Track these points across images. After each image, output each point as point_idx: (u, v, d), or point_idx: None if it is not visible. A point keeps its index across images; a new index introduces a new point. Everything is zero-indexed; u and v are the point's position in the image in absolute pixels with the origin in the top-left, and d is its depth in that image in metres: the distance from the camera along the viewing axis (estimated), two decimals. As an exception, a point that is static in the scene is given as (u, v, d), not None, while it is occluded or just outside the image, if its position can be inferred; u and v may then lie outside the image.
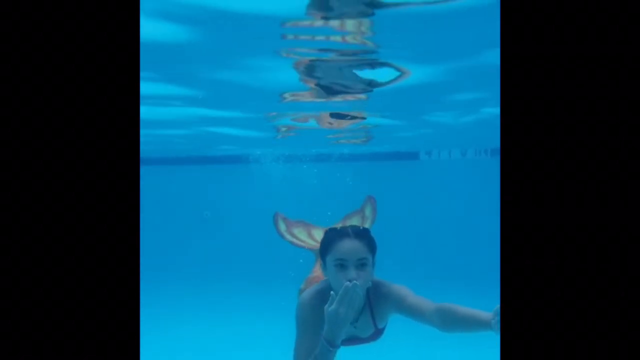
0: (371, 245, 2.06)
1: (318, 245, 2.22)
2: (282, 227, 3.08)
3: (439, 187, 12.06)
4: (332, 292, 1.77)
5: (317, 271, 2.67)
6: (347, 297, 1.73)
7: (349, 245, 2.00)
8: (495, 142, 9.52)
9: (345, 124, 6.01)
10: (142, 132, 6.56)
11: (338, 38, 2.81)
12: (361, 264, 1.98)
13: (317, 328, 1.90)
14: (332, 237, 2.08)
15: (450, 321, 1.89)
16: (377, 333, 2.27)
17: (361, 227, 2.11)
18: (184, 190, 12.15)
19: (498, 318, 1.60)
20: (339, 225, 2.16)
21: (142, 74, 3.35)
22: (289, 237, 3.07)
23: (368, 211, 3.55)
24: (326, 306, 1.76)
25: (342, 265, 1.97)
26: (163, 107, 5.10)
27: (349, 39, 2.82)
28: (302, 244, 3.31)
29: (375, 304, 2.20)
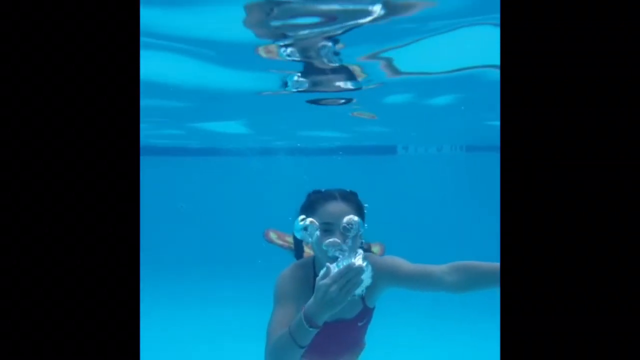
0: (360, 210, 1.86)
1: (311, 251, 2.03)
2: (274, 236, 2.84)
3: (417, 181, 12.24)
4: (327, 264, 1.50)
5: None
6: (345, 278, 1.43)
7: (335, 209, 1.80)
8: (470, 139, 9.72)
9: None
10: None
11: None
12: (348, 229, 1.76)
13: (296, 302, 1.73)
14: (316, 200, 1.86)
15: (472, 279, 1.72)
16: (365, 314, 1.98)
17: (349, 190, 1.90)
18: (159, 182, 12.00)
19: None
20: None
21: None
22: (280, 242, 2.85)
23: None
24: (319, 277, 1.48)
25: (327, 230, 1.77)
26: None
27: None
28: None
29: None
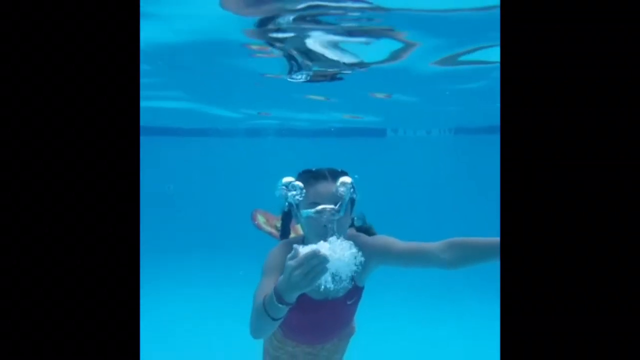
0: (350, 190, 1.82)
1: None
2: (262, 219, 2.76)
3: (406, 163, 12.30)
4: (294, 245, 1.45)
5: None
6: (309, 265, 1.38)
7: (325, 188, 1.79)
8: (458, 121, 9.76)
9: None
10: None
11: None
12: (338, 209, 1.76)
13: (280, 275, 1.69)
14: (306, 179, 1.84)
15: (467, 256, 1.73)
16: (355, 293, 1.98)
17: (339, 170, 1.88)
18: (146, 163, 11.89)
19: None
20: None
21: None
22: (268, 228, 2.77)
23: None
24: (288, 256, 1.44)
25: (316, 209, 1.76)
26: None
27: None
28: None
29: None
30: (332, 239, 1.59)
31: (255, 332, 1.62)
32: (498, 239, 1.61)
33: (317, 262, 1.38)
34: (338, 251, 1.53)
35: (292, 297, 1.46)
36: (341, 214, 1.77)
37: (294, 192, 1.82)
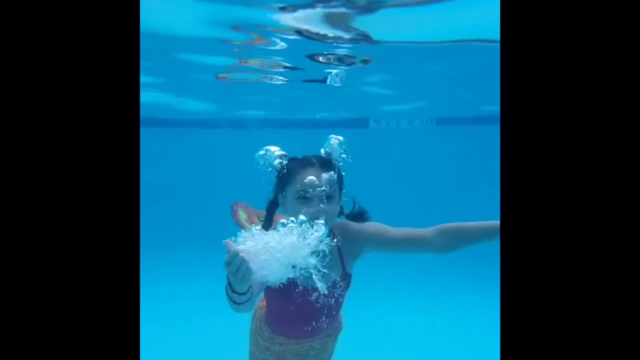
0: (338, 178, 1.82)
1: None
2: (243, 216, 2.67)
3: (389, 154, 12.35)
4: (224, 241, 1.44)
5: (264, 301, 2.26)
6: (233, 264, 1.39)
7: (313, 175, 1.75)
8: (441, 112, 9.85)
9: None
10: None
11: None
12: (327, 196, 1.75)
13: None
14: (293, 167, 1.80)
15: (459, 240, 1.80)
16: (344, 278, 1.97)
17: (327, 157, 1.85)
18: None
19: None
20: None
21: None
22: (249, 226, 2.58)
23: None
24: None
25: (304, 197, 1.73)
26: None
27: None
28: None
29: (345, 242, 1.94)
30: (282, 228, 1.53)
31: (233, 310, 1.65)
32: (486, 222, 1.75)
33: (239, 263, 1.38)
34: (286, 241, 1.47)
35: (239, 289, 1.46)
36: (328, 201, 1.75)
37: (279, 159, 1.81)
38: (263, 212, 2.03)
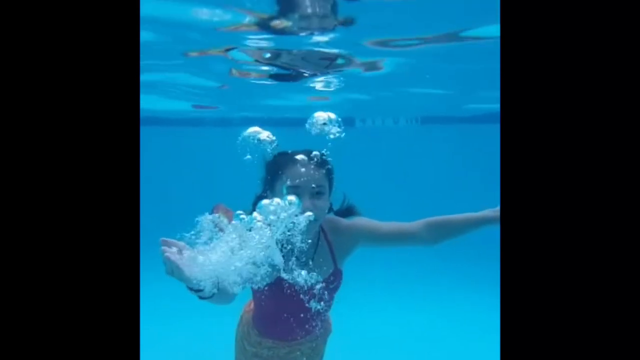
0: (329, 173, 1.78)
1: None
2: (225, 221, 2.69)
3: (375, 152, 12.39)
4: (161, 239, 1.44)
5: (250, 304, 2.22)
6: (168, 266, 1.39)
7: (303, 171, 1.71)
8: (425, 111, 9.92)
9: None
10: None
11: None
12: (317, 192, 1.72)
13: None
14: (283, 162, 1.76)
15: (446, 232, 1.88)
16: (336, 275, 1.94)
17: (317, 152, 1.81)
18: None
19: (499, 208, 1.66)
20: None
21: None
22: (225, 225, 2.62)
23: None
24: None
25: (294, 193, 1.68)
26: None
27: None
28: None
29: (335, 238, 1.92)
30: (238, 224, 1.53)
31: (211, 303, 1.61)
32: (470, 214, 1.86)
33: (173, 267, 1.37)
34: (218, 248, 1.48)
35: (189, 285, 1.44)
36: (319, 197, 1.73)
37: (269, 142, 1.78)
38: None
